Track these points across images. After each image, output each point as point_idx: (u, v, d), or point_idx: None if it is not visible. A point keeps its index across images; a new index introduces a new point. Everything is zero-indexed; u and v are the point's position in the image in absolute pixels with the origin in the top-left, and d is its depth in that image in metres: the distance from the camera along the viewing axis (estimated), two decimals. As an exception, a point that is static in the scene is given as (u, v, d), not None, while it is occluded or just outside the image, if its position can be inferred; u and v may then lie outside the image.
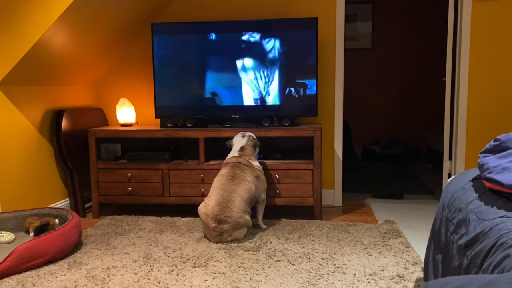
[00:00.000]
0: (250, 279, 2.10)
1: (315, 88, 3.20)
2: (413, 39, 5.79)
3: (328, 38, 3.48)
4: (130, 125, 3.51)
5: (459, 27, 3.32)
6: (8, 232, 2.57)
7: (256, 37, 3.22)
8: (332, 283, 2.04)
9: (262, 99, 3.26)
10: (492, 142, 1.56)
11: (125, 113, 3.50)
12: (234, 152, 2.94)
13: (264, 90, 3.25)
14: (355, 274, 2.14)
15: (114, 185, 3.27)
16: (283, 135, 3.11)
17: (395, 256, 2.37)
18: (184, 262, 2.32)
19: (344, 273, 2.16)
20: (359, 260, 2.32)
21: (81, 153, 3.36)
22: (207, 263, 2.29)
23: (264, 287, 2.01)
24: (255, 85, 3.26)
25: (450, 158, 3.48)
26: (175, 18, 3.64)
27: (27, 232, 2.66)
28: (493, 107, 3.31)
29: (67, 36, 2.86)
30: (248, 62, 3.25)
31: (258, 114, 3.27)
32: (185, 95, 3.32)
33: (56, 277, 2.15)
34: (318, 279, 2.09)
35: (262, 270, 2.20)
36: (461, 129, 3.35)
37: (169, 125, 3.29)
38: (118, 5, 3.05)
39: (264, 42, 3.22)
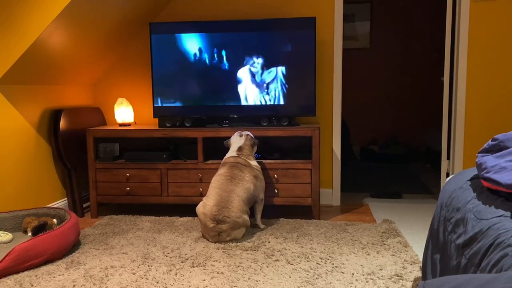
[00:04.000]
0: (249, 278, 2.10)
1: (313, 87, 3.20)
2: (411, 38, 5.79)
3: (327, 38, 3.48)
4: (128, 124, 3.51)
5: (457, 27, 3.32)
6: (6, 232, 2.56)
7: (254, 36, 3.22)
8: (330, 283, 2.04)
9: (261, 99, 3.26)
10: (490, 142, 1.56)
11: (123, 113, 3.50)
12: (232, 152, 2.93)
13: (262, 89, 3.25)
14: (353, 274, 2.14)
15: (112, 185, 3.27)
16: (281, 134, 3.11)
17: (393, 255, 2.37)
18: (182, 262, 2.32)
19: (342, 272, 2.16)
20: (357, 260, 2.32)
21: (79, 153, 3.35)
22: (205, 263, 2.29)
23: (263, 286, 2.01)
24: (254, 84, 3.26)
25: (448, 158, 3.49)
26: (173, 18, 3.64)
27: (25, 232, 2.65)
28: (491, 106, 3.32)
29: (65, 36, 2.86)
30: (247, 61, 3.25)
31: (256, 114, 3.27)
32: (183, 95, 3.32)
33: (54, 277, 2.14)
34: (317, 278, 2.09)
35: (260, 269, 2.20)
36: (459, 129, 3.35)
37: (168, 124, 3.28)
38: (116, 5, 3.05)
39: (263, 42, 3.22)
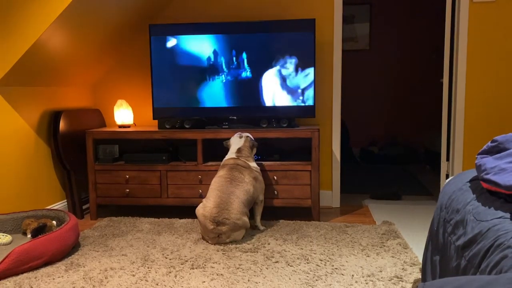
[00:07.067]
0: (248, 280, 2.09)
1: (313, 89, 3.20)
2: (411, 40, 5.80)
3: (326, 39, 3.48)
4: (128, 126, 3.51)
5: (456, 28, 3.33)
6: (5, 234, 2.56)
7: (253, 38, 3.22)
8: (330, 284, 2.04)
9: (260, 100, 3.26)
10: (489, 143, 1.56)
11: (123, 115, 3.50)
12: (231, 154, 2.93)
13: (262, 91, 3.25)
14: (353, 275, 2.14)
15: (111, 186, 3.27)
16: (281, 136, 3.11)
17: (393, 257, 2.37)
18: (182, 264, 2.31)
19: (342, 274, 2.16)
20: (357, 261, 2.32)
21: (79, 155, 3.35)
22: (205, 265, 2.29)
23: (262, 288, 2.01)
24: (253, 86, 3.26)
25: (447, 159, 3.49)
26: (173, 19, 3.64)
27: (25, 233, 2.65)
28: (490, 108, 3.32)
29: (65, 37, 2.86)
30: (246, 63, 3.25)
31: (256, 115, 3.27)
32: (183, 96, 3.32)
33: (54, 279, 2.14)
34: (316, 280, 2.09)
35: (260, 271, 2.20)
36: (458, 130, 3.35)
37: (167, 126, 3.28)
38: (116, 6, 3.05)
39: (262, 43, 3.22)
